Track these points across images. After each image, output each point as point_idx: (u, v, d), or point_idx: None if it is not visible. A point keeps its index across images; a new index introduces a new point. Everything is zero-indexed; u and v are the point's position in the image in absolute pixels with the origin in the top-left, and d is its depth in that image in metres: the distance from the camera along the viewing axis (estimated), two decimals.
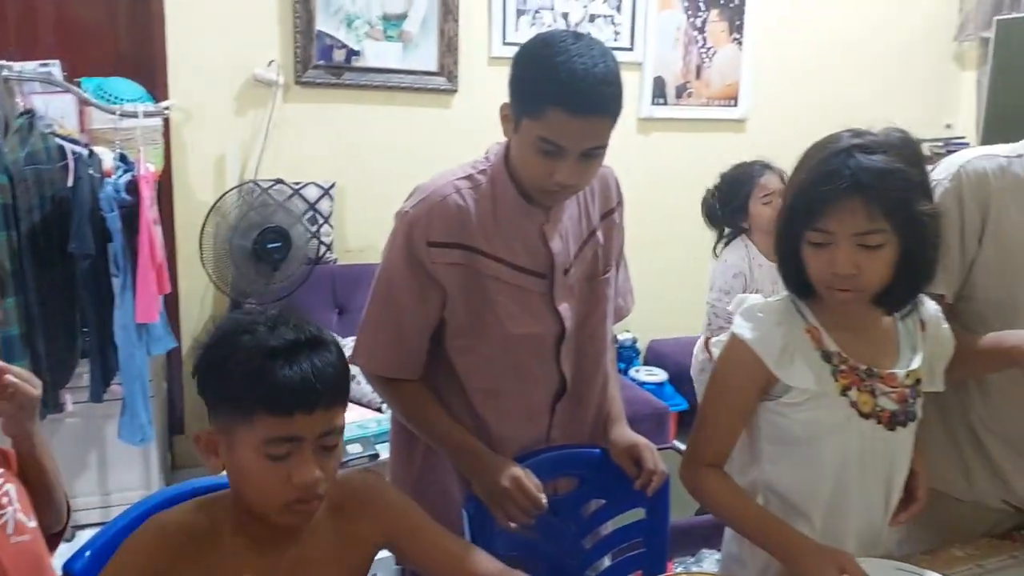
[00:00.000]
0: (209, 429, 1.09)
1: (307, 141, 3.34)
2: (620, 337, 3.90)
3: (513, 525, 1.41)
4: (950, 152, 4.17)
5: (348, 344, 3.10)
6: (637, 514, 1.60)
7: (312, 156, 3.35)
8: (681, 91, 3.88)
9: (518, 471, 1.43)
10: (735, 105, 3.99)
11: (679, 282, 4.02)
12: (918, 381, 1.30)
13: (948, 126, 4.27)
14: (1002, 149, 1.46)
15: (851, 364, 1.26)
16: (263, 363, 1.02)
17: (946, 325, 1.36)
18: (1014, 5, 3.94)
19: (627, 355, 3.92)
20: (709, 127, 3.98)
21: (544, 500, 1.42)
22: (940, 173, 1.43)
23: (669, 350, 3.91)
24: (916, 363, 1.30)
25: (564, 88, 1.29)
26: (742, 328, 1.28)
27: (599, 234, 1.58)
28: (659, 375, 3.74)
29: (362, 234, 3.45)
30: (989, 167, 1.41)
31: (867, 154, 1.16)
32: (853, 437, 1.26)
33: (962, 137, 4.16)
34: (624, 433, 1.60)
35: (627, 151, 3.90)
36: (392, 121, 3.43)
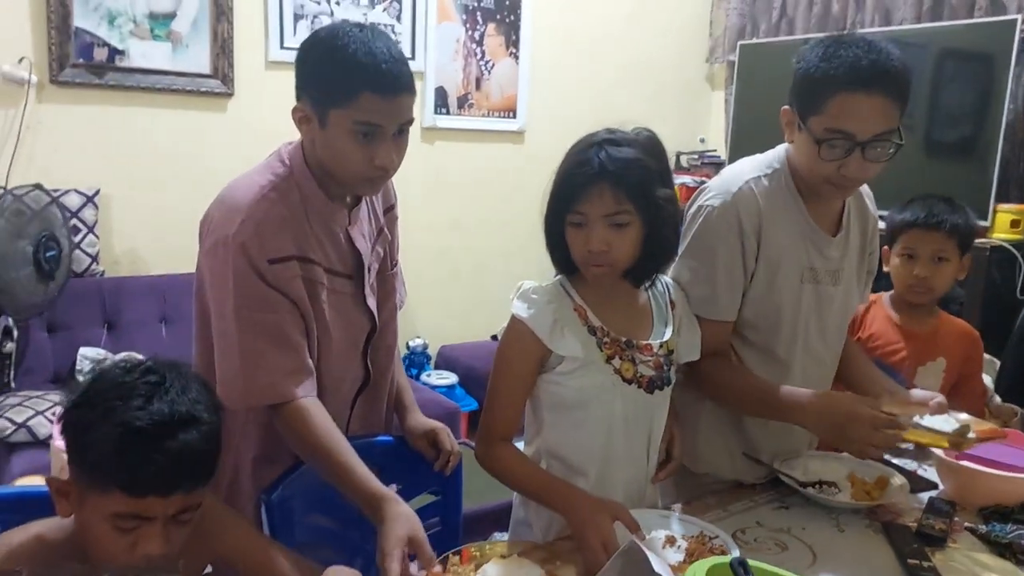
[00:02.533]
0: (64, 480, 1.05)
1: (66, 145, 3.09)
2: (411, 344, 3.93)
3: None
4: (705, 164, 4.58)
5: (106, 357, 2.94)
6: (432, 496, 1.65)
7: (73, 161, 3.10)
8: (463, 102, 3.99)
9: (401, 534, 1.19)
10: (514, 117, 4.16)
11: (465, 289, 4.13)
12: (671, 352, 1.47)
13: (702, 140, 4.71)
14: (757, 165, 1.57)
15: (613, 337, 1.41)
16: (126, 443, 0.98)
17: (691, 311, 1.53)
18: (754, 32, 4.42)
19: (418, 360, 3.95)
20: (490, 138, 4.12)
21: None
22: (713, 199, 1.52)
23: (458, 354, 3.99)
24: (667, 335, 1.47)
25: (371, 72, 1.32)
26: (519, 309, 1.40)
27: (386, 230, 1.62)
28: (450, 378, 3.81)
29: (131, 244, 3.23)
30: (756, 188, 1.52)
31: (615, 147, 1.32)
32: (618, 400, 1.40)
33: (714, 150, 4.60)
34: (420, 420, 1.67)
35: (412, 159, 3.95)
36: (162, 125, 3.26)
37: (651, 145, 1.37)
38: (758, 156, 1.60)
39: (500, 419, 1.43)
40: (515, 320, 1.40)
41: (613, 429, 1.41)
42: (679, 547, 1.30)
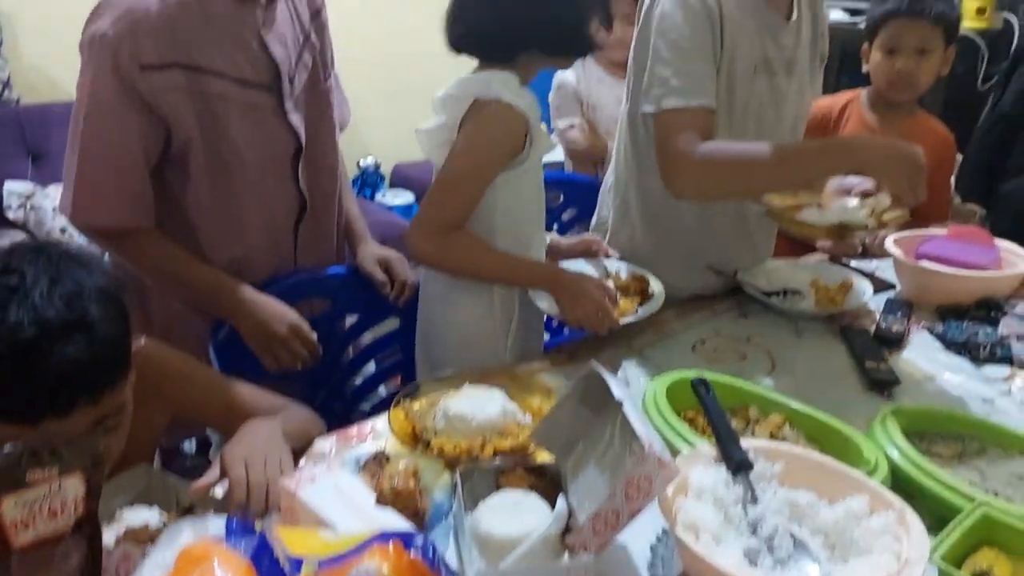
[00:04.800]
0: None
1: None
2: (362, 163, 3.80)
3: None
4: None
5: (52, 194, 2.77)
6: (392, 324, 1.61)
7: None
8: None
9: (294, 316, 1.38)
10: None
11: (415, 103, 3.89)
12: None
13: None
14: None
15: None
16: None
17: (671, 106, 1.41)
18: None
19: (372, 180, 3.84)
20: None
21: (319, 348, 1.40)
22: None
23: (414, 173, 3.86)
24: None
25: None
26: (504, 94, 1.28)
27: (313, 37, 1.48)
28: (405, 197, 3.72)
29: (45, 68, 2.99)
30: None
31: None
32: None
33: None
34: (373, 249, 1.61)
35: None
36: None
37: None
38: None
39: (460, 207, 1.32)
40: (504, 106, 1.27)
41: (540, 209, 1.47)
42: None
